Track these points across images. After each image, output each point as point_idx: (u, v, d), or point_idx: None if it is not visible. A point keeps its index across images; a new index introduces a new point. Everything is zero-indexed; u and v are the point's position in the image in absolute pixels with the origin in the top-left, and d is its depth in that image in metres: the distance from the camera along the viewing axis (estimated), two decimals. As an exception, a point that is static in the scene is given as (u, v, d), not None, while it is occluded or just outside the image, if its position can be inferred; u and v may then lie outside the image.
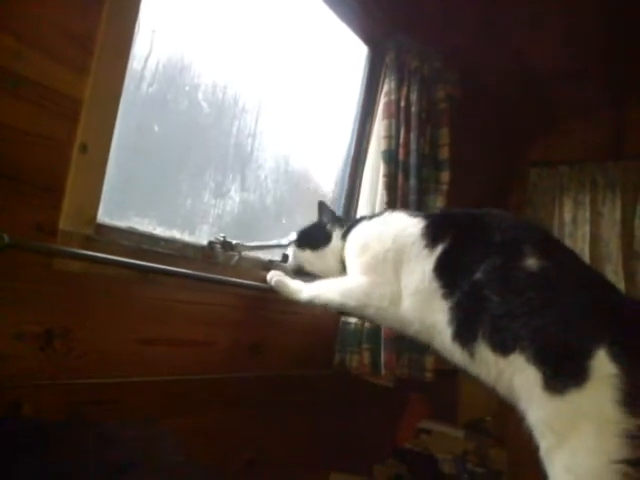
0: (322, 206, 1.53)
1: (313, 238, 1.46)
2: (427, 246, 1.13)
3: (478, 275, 1.01)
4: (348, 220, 1.54)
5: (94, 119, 1.10)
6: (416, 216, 1.24)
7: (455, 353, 1.05)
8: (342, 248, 1.37)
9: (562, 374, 0.88)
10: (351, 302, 1.22)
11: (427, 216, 1.23)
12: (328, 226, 1.45)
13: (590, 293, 0.96)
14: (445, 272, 1.08)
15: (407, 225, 1.20)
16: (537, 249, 1.00)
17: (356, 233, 1.34)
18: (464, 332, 1.02)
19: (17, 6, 0.97)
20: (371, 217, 1.37)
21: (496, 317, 0.96)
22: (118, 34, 1.13)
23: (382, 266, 1.18)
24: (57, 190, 1.06)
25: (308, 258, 1.45)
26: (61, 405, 1.09)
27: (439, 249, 1.10)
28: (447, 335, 1.04)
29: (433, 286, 1.08)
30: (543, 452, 0.89)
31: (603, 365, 0.84)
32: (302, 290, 1.33)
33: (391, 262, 1.17)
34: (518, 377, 0.93)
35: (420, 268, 1.11)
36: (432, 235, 1.14)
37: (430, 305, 1.08)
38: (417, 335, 1.17)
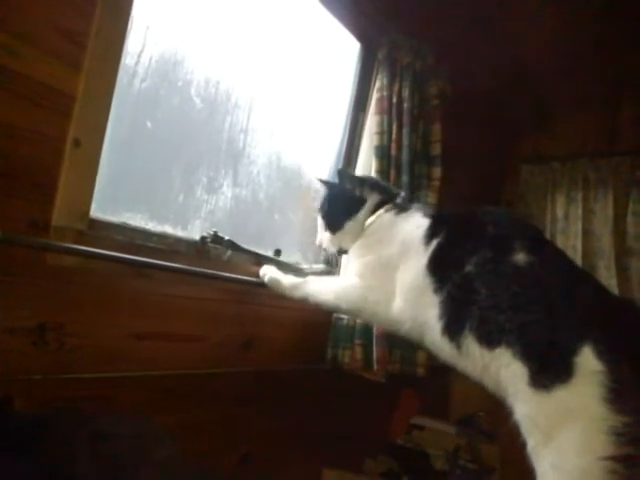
0: (343, 174, 1.41)
1: (342, 212, 1.33)
2: (424, 244, 1.13)
3: (469, 268, 1.01)
4: (386, 189, 1.39)
5: (87, 114, 1.11)
6: (428, 216, 1.21)
7: (444, 347, 1.05)
8: (366, 220, 1.29)
9: (547, 370, 0.88)
10: (345, 305, 1.23)
11: (433, 216, 1.20)
12: (358, 191, 1.33)
13: (577, 291, 0.96)
14: (437, 266, 1.08)
15: (416, 227, 1.18)
16: (527, 245, 1.00)
17: (377, 225, 1.28)
18: (452, 324, 1.02)
19: (11, 3, 0.98)
20: (399, 211, 1.28)
21: (483, 310, 0.97)
22: (111, 30, 1.14)
23: (381, 270, 1.18)
24: (50, 185, 1.07)
25: (345, 237, 1.33)
26: (53, 400, 1.09)
27: (433, 244, 1.11)
28: (437, 330, 1.05)
29: (426, 281, 1.08)
30: (530, 449, 0.89)
31: (588, 362, 0.85)
32: (296, 287, 1.32)
33: (392, 266, 1.17)
34: (504, 371, 0.94)
35: (415, 265, 1.12)
36: (430, 233, 1.14)
37: (422, 301, 1.08)
38: (408, 334, 1.17)
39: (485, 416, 2.42)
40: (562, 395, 0.85)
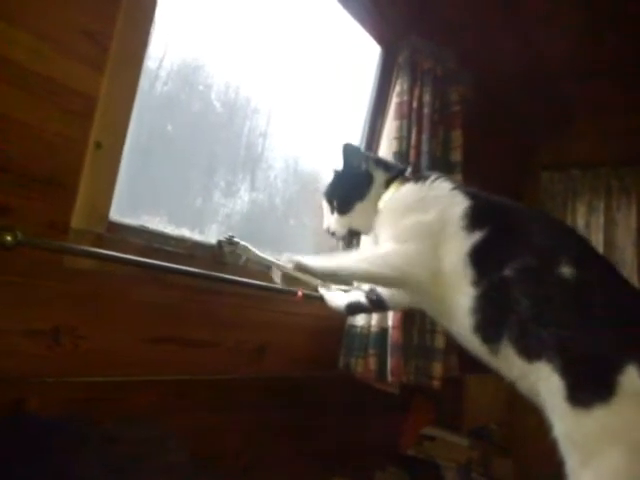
0: (350, 149, 1.32)
1: (352, 192, 1.27)
2: (465, 228, 1.07)
3: (508, 272, 0.97)
4: (391, 165, 1.33)
5: (109, 117, 1.11)
6: (461, 191, 1.14)
7: (474, 344, 1.02)
8: (379, 197, 1.23)
9: (587, 386, 0.84)
10: (388, 271, 1.09)
11: (471, 195, 1.13)
12: (362, 164, 1.27)
13: (624, 307, 0.92)
14: (478, 259, 1.03)
15: (454, 201, 1.12)
16: (575, 257, 0.96)
17: (401, 194, 1.21)
18: (488, 328, 0.99)
19: (34, 4, 0.98)
20: (417, 180, 1.22)
21: (524, 321, 0.93)
22: (134, 33, 1.14)
23: (426, 234, 1.10)
24: (70, 188, 1.07)
25: (355, 218, 1.28)
26: (66, 402, 1.09)
27: (477, 235, 1.05)
28: (467, 323, 1.01)
29: (464, 270, 1.03)
30: (568, 469, 0.85)
31: (633, 381, 0.81)
32: (323, 266, 1.18)
33: (434, 234, 1.09)
34: (543, 384, 0.90)
35: (455, 248, 1.06)
36: (473, 218, 1.07)
37: (458, 288, 1.04)
38: (437, 315, 1.15)
39: (498, 428, 2.39)
40: (602, 414, 0.82)
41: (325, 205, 1.36)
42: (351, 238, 1.37)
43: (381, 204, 1.23)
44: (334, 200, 1.31)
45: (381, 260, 1.11)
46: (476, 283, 1.01)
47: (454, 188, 1.16)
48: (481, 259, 1.03)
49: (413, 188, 1.21)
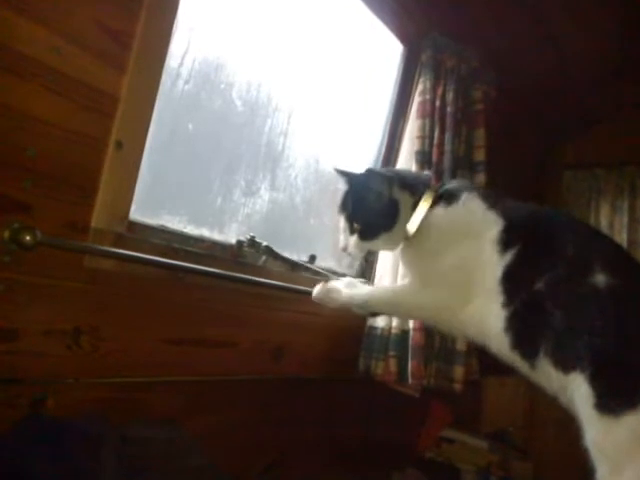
0: (373, 175, 1.24)
1: (377, 221, 1.19)
2: (499, 252, 1.03)
3: (539, 285, 0.95)
4: (414, 183, 1.22)
5: (130, 116, 1.10)
6: (494, 211, 1.08)
7: (515, 361, 1.01)
8: (406, 221, 1.17)
9: (616, 392, 0.83)
10: (424, 315, 1.20)
11: (504, 214, 1.07)
12: (387, 192, 1.18)
13: None
14: (508, 279, 1.01)
15: (488, 225, 1.06)
16: (607, 265, 0.93)
17: (432, 223, 1.13)
18: (525, 344, 0.97)
19: (57, 2, 0.97)
20: (447, 202, 1.13)
21: (558, 333, 0.92)
22: (157, 31, 1.13)
23: (457, 275, 1.08)
24: (91, 187, 1.06)
25: (378, 244, 1.23)
26: (85, 403, 1.09)
27: (509, 255, 1.02)
28: (504, 343, 1.00)
29: (497, 296, 1.01)
30: (598, 479, 0.83)
31: None
32: (357, 294, 1.18)
33: (466, 269, 1.07)
34: (577, 394, 0.89)
35: (489, 273, 1.03)
36: (506, 240, 1.04)
37: (489, 310, 1.02)
38: (473, 338, 1.12)
39: (515, 431, 2.35)
40: (632, 422, 0.80)
41: (343, 223, 1.25)
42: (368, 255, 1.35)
43: (410, 228, 1.16)
44: (356, 224, 1.22)
45: (418, 308, 1.15)
46: (509, 302, 0.99)
47: (487, 208, 1.09)
48: (513, 278, 1.01)
49: (445, 215, 1.13)
